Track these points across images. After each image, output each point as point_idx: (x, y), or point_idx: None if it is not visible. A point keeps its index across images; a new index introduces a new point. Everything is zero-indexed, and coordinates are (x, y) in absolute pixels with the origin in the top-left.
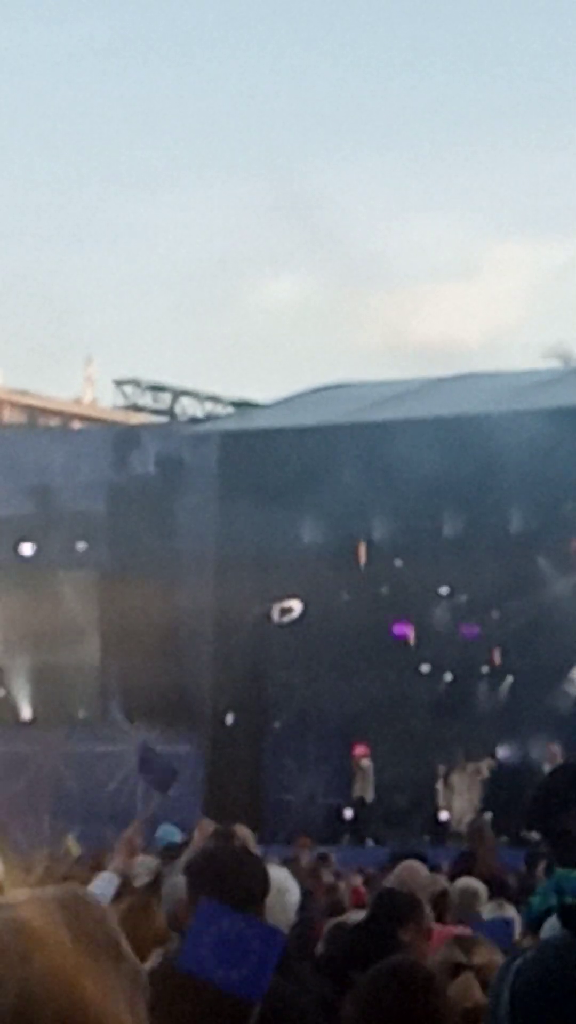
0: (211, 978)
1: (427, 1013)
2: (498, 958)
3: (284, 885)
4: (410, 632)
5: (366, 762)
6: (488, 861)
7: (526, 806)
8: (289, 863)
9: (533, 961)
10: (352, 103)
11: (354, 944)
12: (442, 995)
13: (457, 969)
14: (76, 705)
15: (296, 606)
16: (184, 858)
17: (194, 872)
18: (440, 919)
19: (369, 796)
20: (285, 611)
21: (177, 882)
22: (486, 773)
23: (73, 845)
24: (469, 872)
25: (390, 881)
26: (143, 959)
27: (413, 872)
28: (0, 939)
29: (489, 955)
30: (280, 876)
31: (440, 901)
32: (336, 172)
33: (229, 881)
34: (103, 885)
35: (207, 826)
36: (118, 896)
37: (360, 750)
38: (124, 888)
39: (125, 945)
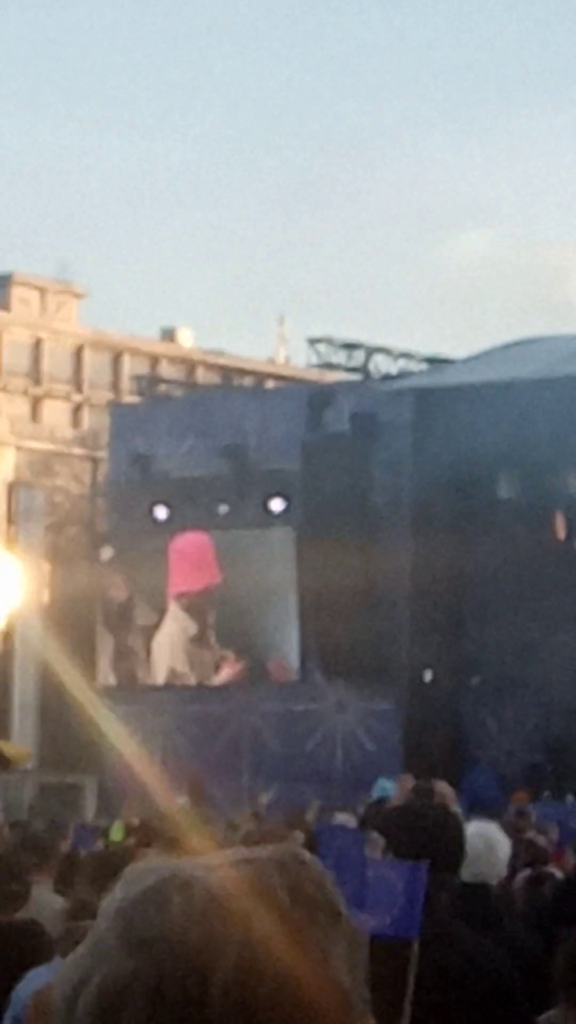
0: (364, 931)
1: None
2: None
3: (494, 839)
4: None
5: None
6: None
7: None
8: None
9: None
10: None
11: (559, 900)
12: None
13: None
14: (274, 664)
15: None
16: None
17: (391, 829)
18: None
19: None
20: None
21: (374, 837)
22: None
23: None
24: None
25: None
26: None
27: None
28: (218, 900)
29: None
30: (490, 830)
31: None
32: (531, 123)
33: (426, 838)
34: None
35: (407, 781)
36: None
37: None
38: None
39: (344, 907)
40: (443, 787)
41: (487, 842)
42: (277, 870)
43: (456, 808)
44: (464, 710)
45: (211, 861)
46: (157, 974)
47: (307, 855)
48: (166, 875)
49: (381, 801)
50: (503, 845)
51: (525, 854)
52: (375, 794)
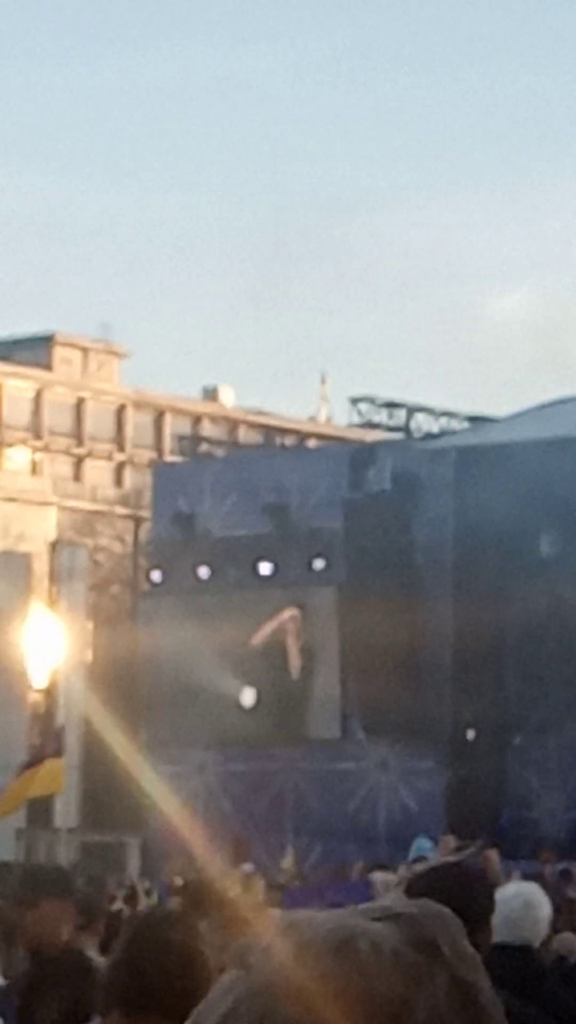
0: None
1: None
2: None
3: (534, 900)
4: None
5: None
6: None
7: None
8: (533, 877)
9: None
10: None
11: None
12: None
13: None
14: (317, 723)
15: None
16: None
17: (414, 889)
18: None
19: None
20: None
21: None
22: None
23: (289, 859)
24: None
25: None
26: None
27: None
28: (401, 950)
29: None
30: (529, 890)
31: None
32: (569, 180)
33: (445, 898)
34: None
35: (449, 842)
36: None
37: None
38: None
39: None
40: (491, 854)
41: (526, 902)
42: (438, 922)
43: (496, 870)
44: (507, 768)
45: (361, 912)
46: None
47: (447, 912)
48: (340, 925)
49: (420, 861)
50: (544, 905)
51: (567, 915)
52: (412, 854)
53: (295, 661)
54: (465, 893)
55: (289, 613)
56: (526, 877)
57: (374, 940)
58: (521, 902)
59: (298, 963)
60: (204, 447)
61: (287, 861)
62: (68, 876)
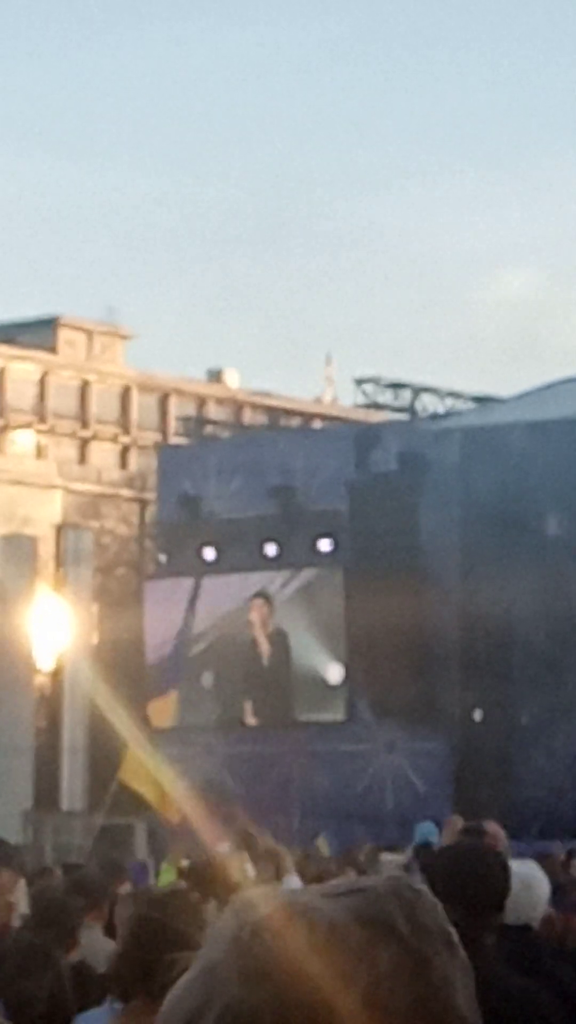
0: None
1: None
2: None
3: (530, 879)
4: None
5: None
6: None
7: None
8: (542, 858)
9: None
10: None
11: None
12: None
13: None
14: (322, 704)
15: None
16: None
17: (432, 872)
18: None
19: None
20: None
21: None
22: None
23: (323, 845)
24: None
25: None
26: None
27: None
28: (339, 929)
29: None
30: (526, 870)
31: None
32: (565, 159)
33: (466, 880)
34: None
35: (456, 823)
36: None
37: None
38: None
39: (456, 936)
40: (493, 827)
41: (524, 882)
42: (394, 899)
43: (505, 848)
44: (514, 748)
45: (323, 889)
46: (280, 1007)
47: (418, 884)
48: (283, 903)
49: (426, 845)
50: (542, 884)
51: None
52: (417, 838)
53: (264, 649)
54: (481, 874)
55: (255, 608)
56: (536, 857)
57: (314, 918)
58: (519, 882)
59: (241, 944)
60: (209, 429)
61: (321, 846)
62: (4, 844)
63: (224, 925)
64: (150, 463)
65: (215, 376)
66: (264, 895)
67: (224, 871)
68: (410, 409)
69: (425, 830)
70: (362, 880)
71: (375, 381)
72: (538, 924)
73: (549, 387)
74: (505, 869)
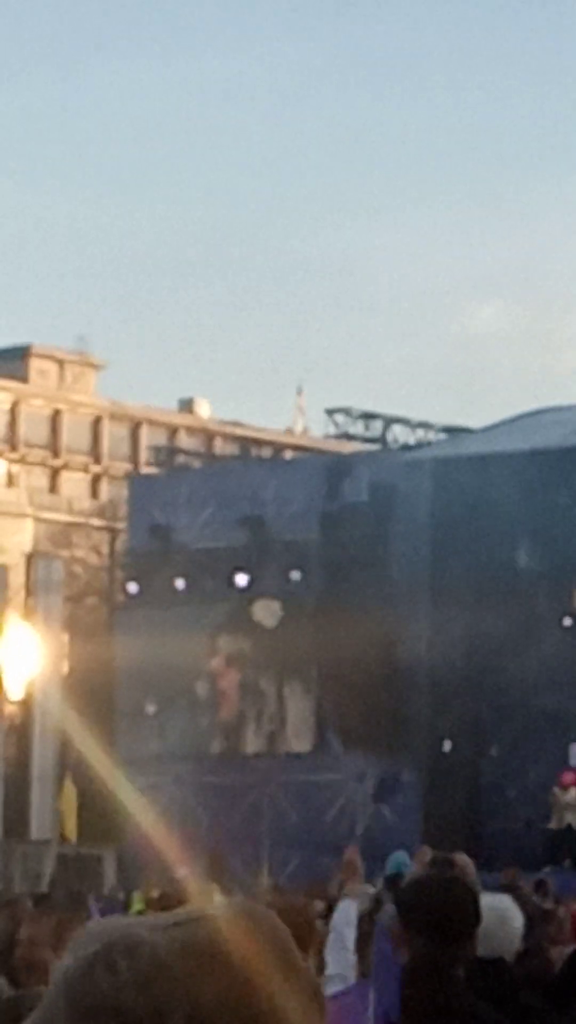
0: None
1: None
2: None
3: (507, 913)
4: None
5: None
6: None
7: None
8: (510, 889)
9: None
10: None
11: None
12: None
13: None
14: (293, 735)
15: None
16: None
17: (403, 902)
18: None
19: None
20: None
21: (391, 910)
22: None
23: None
24: None
25: None
26: None
27: None
28: (165, 963)
29: None
30: (503, 904)
31: None
32: (536, 192)
33: (437, 911)
34: (346, 909)
35: (425, 854)
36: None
37: (568, 778)
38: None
39: (300, 959)
40: (462, 859)
41: (499, 916)
42: (227, 927)
43: (474, 879)
44: (483, 779)
45: (161, 920)
46: None
47: (261, 909)
48: (113, 938)
49: (398, 876)
50: (516, 919)
51: (545, 926)
52: (389, 868)
53: (231, 707)
54: (451, 905)
55: (215, 663)
56: (502, 888)
57: (135, 953)
58: (495, 916)
59: (70, 980)
60: (180, 459)
61: (263, 878)
62: None
63: (61, 963)
64: (121, 492)
65: (186, 406)
66: (100, 929)
67: (192, 899)
68: (381, 440)
69: (398, 859)
70: (205, 908)
71: (346, 412)
72: (512, 957)
73: (519, 418)
74: (475, 900)
